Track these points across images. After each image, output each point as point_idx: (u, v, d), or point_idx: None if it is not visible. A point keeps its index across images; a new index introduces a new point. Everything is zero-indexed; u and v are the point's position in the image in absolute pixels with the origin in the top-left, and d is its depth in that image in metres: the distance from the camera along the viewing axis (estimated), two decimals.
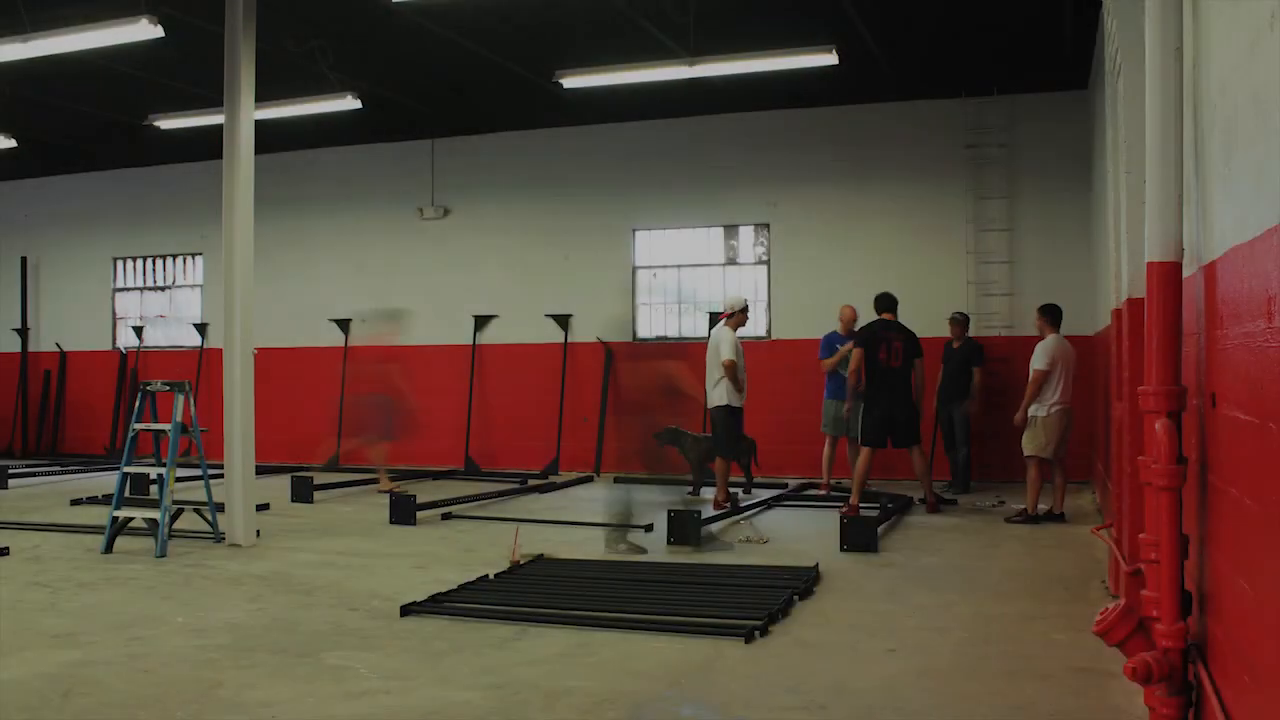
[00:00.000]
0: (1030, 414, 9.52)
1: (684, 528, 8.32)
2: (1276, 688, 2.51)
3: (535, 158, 14.40)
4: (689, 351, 11.45)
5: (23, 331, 17.26)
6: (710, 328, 13.28)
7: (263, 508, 9.91)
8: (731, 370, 10.08)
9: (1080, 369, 11.95)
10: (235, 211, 8.59)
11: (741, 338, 11.84)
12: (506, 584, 6.75)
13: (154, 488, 10.17)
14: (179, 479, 8.66)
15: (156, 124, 13.31)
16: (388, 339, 13.01)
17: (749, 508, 10.12)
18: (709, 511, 9.31)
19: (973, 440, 11.67)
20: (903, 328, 10.21)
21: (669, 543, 8.28)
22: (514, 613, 5.96)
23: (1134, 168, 5.68)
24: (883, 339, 9.97)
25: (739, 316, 10.47)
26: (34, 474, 13.60)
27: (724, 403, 10.14)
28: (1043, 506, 9.51)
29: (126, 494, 8.53)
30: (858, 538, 7.96)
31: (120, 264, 16.89)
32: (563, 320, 14.12)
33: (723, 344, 10.17)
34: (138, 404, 8.57)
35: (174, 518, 8.26)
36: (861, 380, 10.15)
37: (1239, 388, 2.91)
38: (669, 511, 8.57)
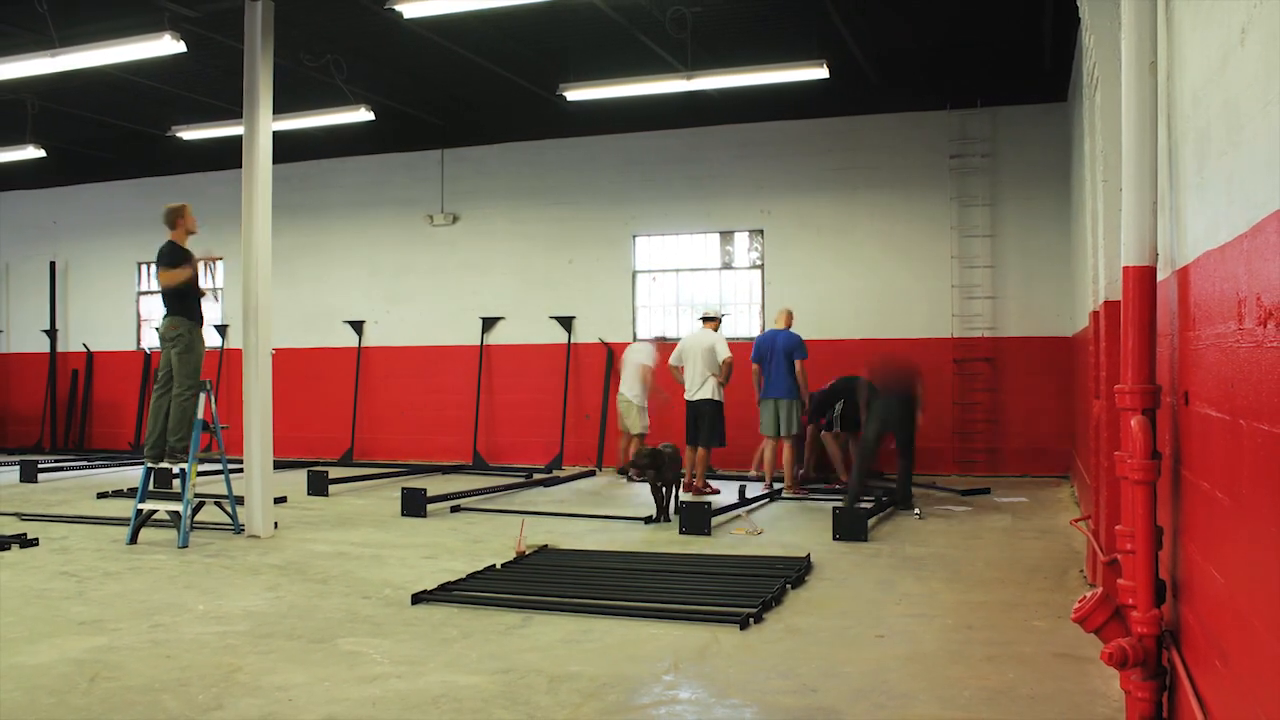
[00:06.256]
0: (721, 398, 10.72)
1: (696, 519, 8.37)
2: (1246, 671, 2.51)
3: (540, 167, 14.40)
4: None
5: (51, 333, 17.25)
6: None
7: (280, 501, 9.93)
8: (729, 368, 10.79)
9: (1060, 368, 12.02)
10: (254, 218, 8.58)
11: (735, 339, 11.95)
12: (513, 573, 6.74)
13: (176, 482, 10.18)
14: (200, 473, 8.66)
15: (179, 135, 13.33)
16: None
17: (750, 501, 10.09)
18: (686, 497, 9.52)
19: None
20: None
21: (680, 533, 8.34)
22: (520, 601, 5.96)
23: (1111, 176, 5.69)
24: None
25: (717, 322, 11.24)
26: (62, 469, 13.60)
27: (713, 397, 10.76)
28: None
29: (150, 488, 8.53)
30: (849, 528, 7.98)
31: (144, 268, 16.88)
32: (566, 322, 14.12)
33: (719, 344, 10.83)
34: None
35: (195, 510, 8.26)
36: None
37: (1211, 386, 2.91)
38: (682, 504, 8.75)
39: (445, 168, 14.83)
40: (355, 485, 11.82)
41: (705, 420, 10.74)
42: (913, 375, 10.00)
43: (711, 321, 11.14)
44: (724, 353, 10.75)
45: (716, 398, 10.73)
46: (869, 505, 9.10)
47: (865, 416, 9.94)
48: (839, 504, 8.80)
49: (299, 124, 12.25)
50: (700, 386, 10.76)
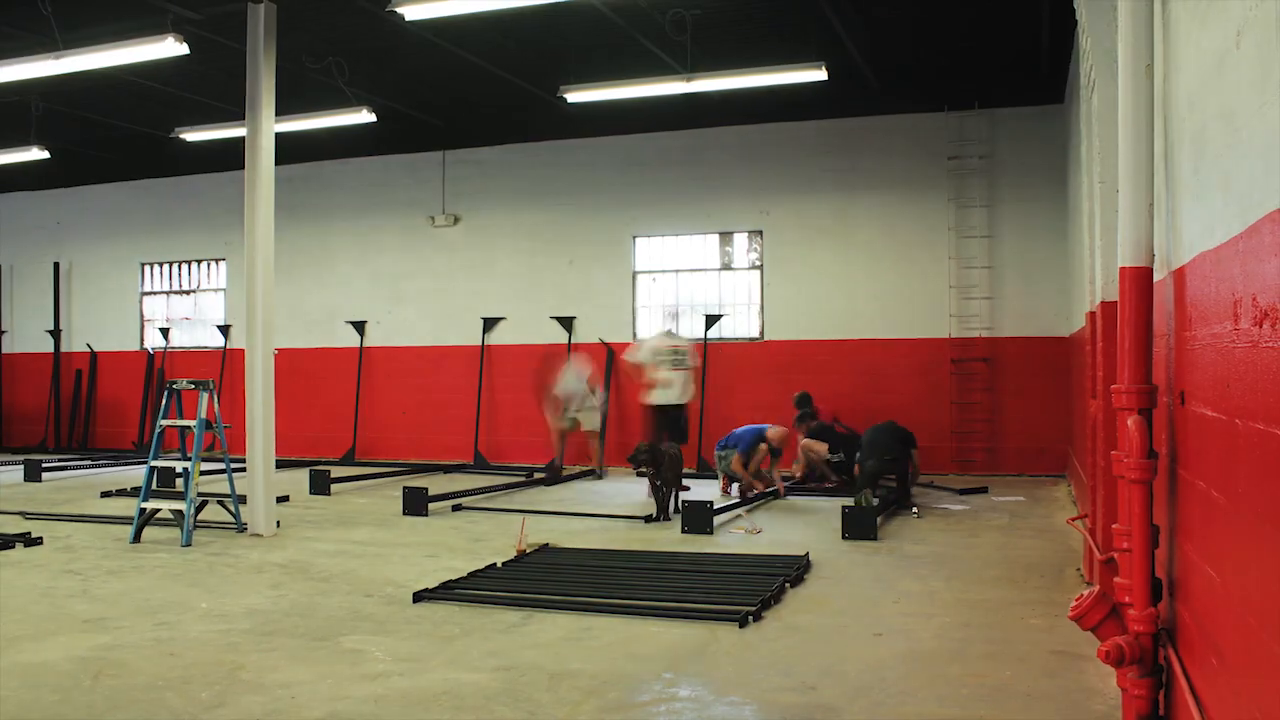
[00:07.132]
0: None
1: (696, 518, 8.38)
2: (1241, 669, 2.51)
3: (540, 168, 14.40)
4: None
5: (55, 333, 17.25)
6: (706, 330, 13.33)
7: (283, 499, 9.94)
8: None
9: (1058, 368, 12.02)
10: (256, 219, 8.59)
11: (734, 339, 11.92)
12: (513, 572, 6.74)
13: (179, 481, 10.19)
14: (203, 473, 8.65)
15: (182, 136, 13.32)
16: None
17: (750, 500, 10.08)
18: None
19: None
20: None
21: (681, 532, 8.35)
22: (520, 599, 5.96)
23: (1107, 178, 5.69)
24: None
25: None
26: (66, 468, 13.60)
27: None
28: None
29: (154, 487, 8.53)
30: (858, 527, 7.98)
31: (148, 269, 16.89)
32: (567, 322, 14.12)
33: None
34: (164, 401, 8.56)
35: (198, 509, 8.26)
36: None
37: (1207, 386, 2.91)
38: (683, 503, 8.76)
39: (446, 169, 14.83)
40: (357, 484, 11.82)
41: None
42: (906, 441, 9.94)
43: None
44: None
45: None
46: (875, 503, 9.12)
47: (859, 471, 9.87)
48: (847, 503, 8.80)
49: (301, 126, 12.24)
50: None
